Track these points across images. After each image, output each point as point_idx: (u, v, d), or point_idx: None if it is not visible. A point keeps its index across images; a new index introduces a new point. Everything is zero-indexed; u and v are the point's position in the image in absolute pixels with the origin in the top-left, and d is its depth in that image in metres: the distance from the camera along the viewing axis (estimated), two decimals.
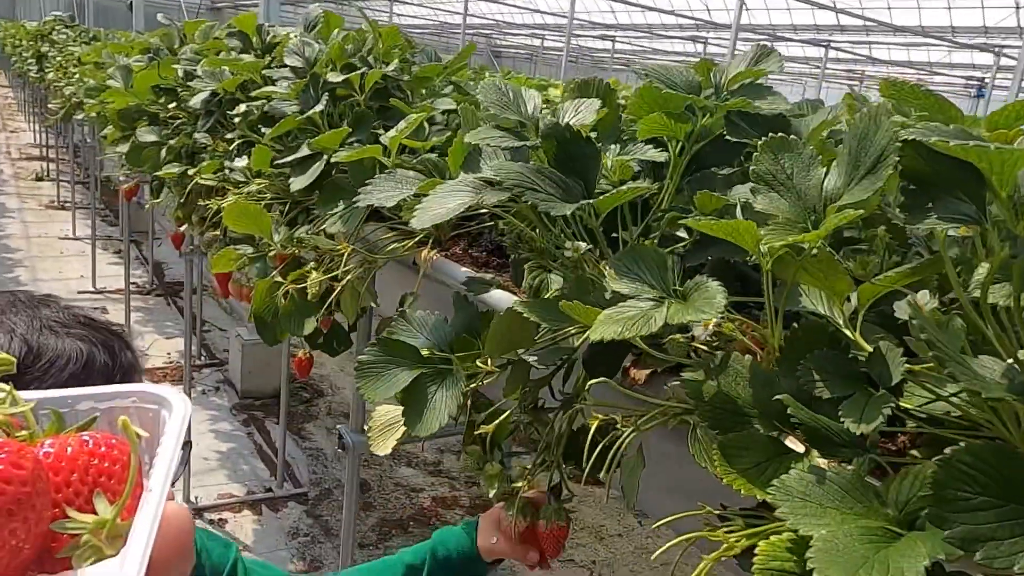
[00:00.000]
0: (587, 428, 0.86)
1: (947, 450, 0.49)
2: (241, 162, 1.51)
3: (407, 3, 18.81)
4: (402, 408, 0.89)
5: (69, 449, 0.41)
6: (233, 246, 1.50)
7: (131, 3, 7.68)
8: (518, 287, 0.97)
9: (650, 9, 15.34)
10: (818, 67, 17.08)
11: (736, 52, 10.77)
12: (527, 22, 20.83)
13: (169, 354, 4.67)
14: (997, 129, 0.58)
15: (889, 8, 13.81)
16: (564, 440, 0.88)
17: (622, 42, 21.91)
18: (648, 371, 0.82)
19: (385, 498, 3.44)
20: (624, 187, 0.71)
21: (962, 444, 0.50)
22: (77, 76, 3.90)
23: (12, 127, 12.95)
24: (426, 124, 1.31)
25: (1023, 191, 0.54)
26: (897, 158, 0.51)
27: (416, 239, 1.24)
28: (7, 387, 0.39)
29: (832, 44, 15.71)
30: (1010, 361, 0.53)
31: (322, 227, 1.34)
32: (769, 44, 0.83)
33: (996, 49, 12.70)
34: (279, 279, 1.30)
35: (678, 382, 0.79)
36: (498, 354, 0.84)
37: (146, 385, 0.49)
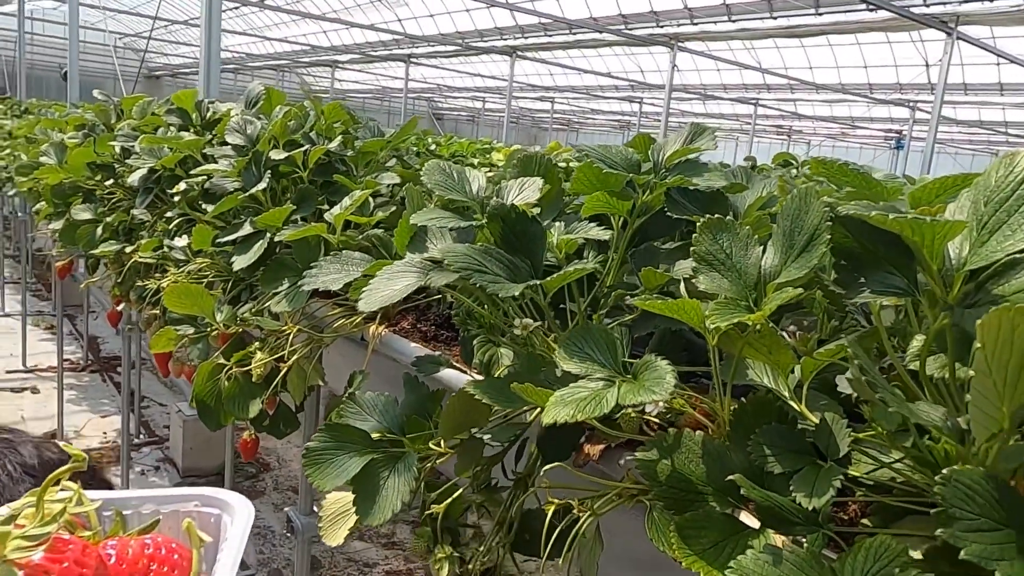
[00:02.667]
0: (541, 509, 0.85)
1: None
2: (181, 241, 1.48)
3: (348, 69, 19.08)
4: (353, 493, 0.87)
5: (130, 551, 0.42)
6: (173, 326, 1.46)
7: (65, 73, 7.57)
8: (468, 364, 0.96)
9: (587, 72, 15.88)
10: (748, 123, 17.85)
11: (671, 111, 11.10)
12: (467, 85, 21.30)
13: (105, 433, 4.47)
14: (920, 204, 0.61)
15: (811, 68, 14.59)
16: (516, 521, 0.86)
17: (561, 103, 22.57)
18: (602, 446, 0.82)
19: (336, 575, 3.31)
20: (571, 268, 0.72)
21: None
22: (8, 150, 3.81)
23: None
24: (370, 199, 1.31)
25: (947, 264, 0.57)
26: (828, 236, 0.53)
27: (363, 315, 1.23)
28: (75, 486, 0.40)
29: (760, 102, 16.49)
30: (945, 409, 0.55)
31: (266, 304, 1.32)
32: (700, 123, 0.86)
33: (911, 104, 13.51)
34: (222, 360, 1.27)
35: (631, 457, 0.79)
36: (452, 435, 0.83)
37: (209, 489, 0.50)
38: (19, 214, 5.82)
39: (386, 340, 1.21)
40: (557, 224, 0.85)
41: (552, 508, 0.69)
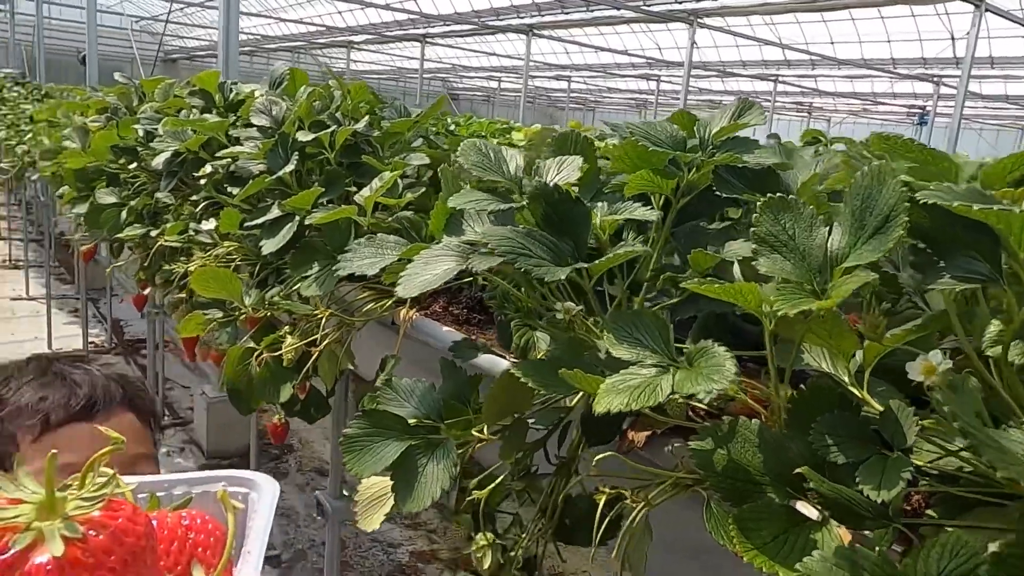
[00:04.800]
0: (584, 496, 0.83)
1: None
2: (208, 224, 1.47)
3: (363, 49, 18.99)
4: (390, 481, 0.85)
5: (169, 521, 0.46)
6: (201, 310, 1.46)
7: (83, 57, 7.58)
8: (506, 349, 0.94)
9: (604, 50, 15.70)
10: (768, 100, 17.61)
11: (690, 88, 10.97)
12: (483, 64, 21.15)
13: None
14: (994, 183, 0.58)
15: (832, 43, 14.33)
16: (558, 509, 0.84)
17: (577, 81, 22.37)
18: (647, 432, 0.80)
19: (362, 556, 3.33)
20: (621, 250, 0.69)
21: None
22: (30, 135, 3.82)
23: None
24: (399, 180, 1.29)
25: None
26: (906, 218, 0.50)
27: (394, 298, 1.21)
28: (111, 471, 0.42)
29: (780, 79, 16.23)
30: None
31: (295, 288, 1.30)
32: (749, 98, 0.83)
33: (935, 79, 13.23)
34: (252, 345, 1.26)
35: (680, 444, 0.77)
36: (496, 420, 0.81)
37: (237, 471, 0.55)
38: (41, 198, 5.86)
39: (417, 324, 1.20)
40: (600, 204, 0.82)
41: (604, 497, 0.67)
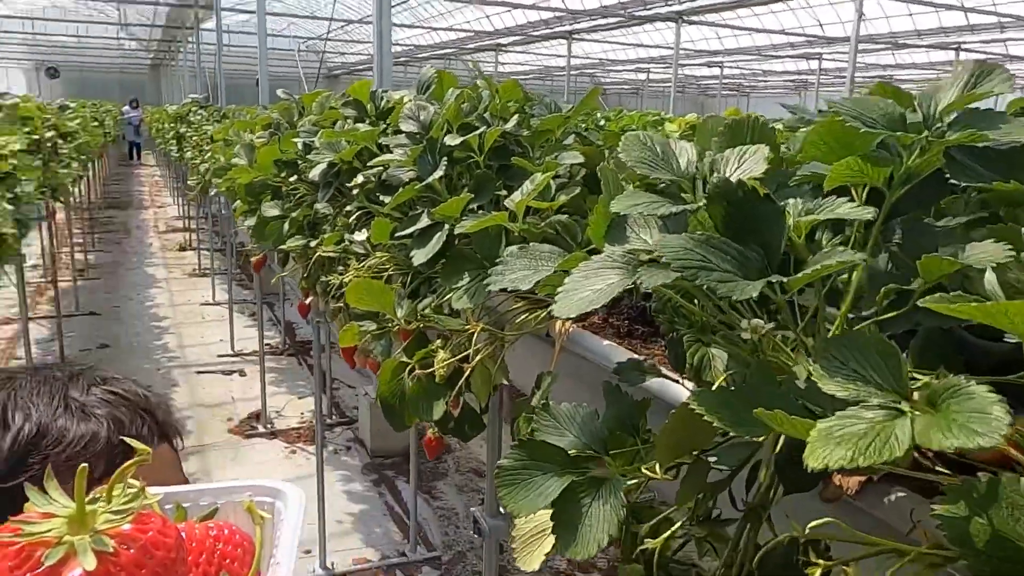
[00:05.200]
0: (785, 548, 0.70)
1: None
2: (361, 235, 1.45)
3: (511, 51, 19.25)
4: (551, 521, 0.76)
5: (197, 532, 0.45)
6: (356, 321, 1.45)
7: (258, 80, 8.17)
8: (676, 369, 0.82)
9: (758, 31, 14.92)
10: (948, 71, 15.93)
11: (857, 64, 10.15)
12: (630, 57, 20.77)
13: (302, 413, 4.77)
14: None
15: None
16: (749, 563, 0.72)
17: (730, 67, 21.42)
18: (861, 478, 0.66)
19: None
20: (831, 260, 0.56)
21: None
22: (210, 153, 4.12)
23: (159, 203, 14.10)
24: (551, 181, 1.20)
25: None
26: None
27: (549, 309, 1.12)
28: (138, 483, 0.42)
29: (963, 46, 14.65)
30: None
31: (445, 298, 1.25)
32: (985, 61, 0.66)
33: None
34: (404, 359, 1.22)
35: (905, 494, 0.62)
36: (670, 459, 0.70)
37: (262, 479, 0.54)
38: (223, 211, 6.36)
39: (574, 337, 1.10)
40: (792, 201, 0.69)
41: (818, 570, 0.54)
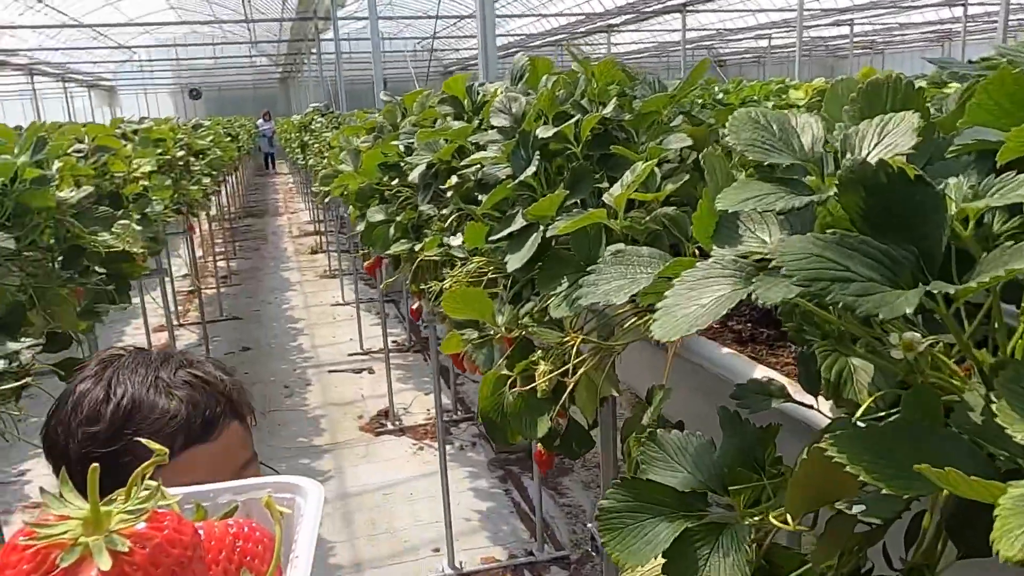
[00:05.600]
0: None
1: None
2: (456, 240, 1.38)
3: (623, 31, 18.80)
4: (663, 574, 0.65)
5: (216, 530, 0.45)
6: (458, 329, 1.38)
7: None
8: (810, 390, 0.69)
9: None
10: None
11: (1011, 6, 9.10)
12: (749, 24, 19.77)
13: (428, 410, 4.84)
14: None
15: None
16: None
17: (861, 23, 19.92)
18: None
19: None
20: (1018, 261, 0.42)
21: None
22: (327, 160, 4.22)
23: (292, 209, 14.86)
24: (655, 169, 1.08)
25: None
26: None
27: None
28: (155, 483, 0.42)
29: None
30: None
31: (548, 303, 1.15)
32: None
33: None
34: (506, 371, 1.14)
35: None
36: (804, 509, 0.57)
37: (281, 476, 0.54)
38: (346, 214, 6.57)
39: (689, 344, 0.98)
40: (951, 182, 0.54)
41: None
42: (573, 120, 1.17)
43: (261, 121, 21.11)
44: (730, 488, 0.66)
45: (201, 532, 0.43)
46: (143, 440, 0.48)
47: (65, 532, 0.39)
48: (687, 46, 15.02)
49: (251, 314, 7.41)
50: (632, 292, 0.67)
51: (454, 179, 1.41)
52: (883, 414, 0.62)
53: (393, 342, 5.99)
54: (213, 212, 8.25)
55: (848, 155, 0.56)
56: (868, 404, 0.62)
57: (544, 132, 1.15)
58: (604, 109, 1.20)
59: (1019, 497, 0.37)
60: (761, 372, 0.84)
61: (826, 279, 0.44)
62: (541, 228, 1.07)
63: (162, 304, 4.95)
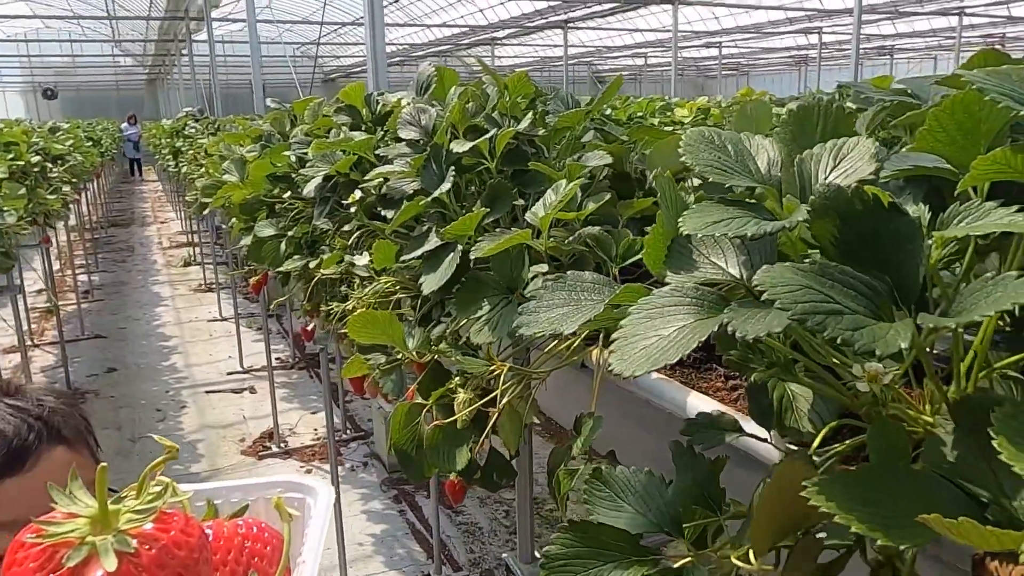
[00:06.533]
0: None
1: None
2: (362, 259, 1.30)
3: (507, 44, 19.04)
4: None
5: (225, 531, 0.46)
6: (363, 354, 1.29)
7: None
8: (759, 420, 0.67)
9: (756, 8, 14.67)
10: (950, 37, 15.69)
11: (860, 37, 9.93)
12: (627, 43, 20.52)
13: (316, 429, 4.63)
14: None
15: None
16: None
17: (728, 46, 21.15)
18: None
19: None
20: (1006, 296, 0.40)
21: None
22: (203, 168, 3.97)
23: (162, 218, 13.99)
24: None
25: None
26: None
27: (582, 337, 0.96)
28: (166, 480, 0.42)
29: (966, 10, 14.35)
30: None
31: (462, 324, 1.09)
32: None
33: None
34: (419, 400, 1.07)
35: None
36: (769, 545, 0.54)
37: (292, 475, 0.54)
38: (225, 224, 6.23)
39: None
40: (911, 209, 0.53)
41: None
42: (488, 135, 1.12)
43: (126, 125, 19.79)
44: (684, 526, 0.62)
45: (210, 532, 0.44)
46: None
47: (72, 531, 0.38)
48: (569, 61, 15.39)
49: (116, 332, 6.88)
50: (581, 321, 0.62)
51: (358, 193, 1.32)
52: (836, 446, 0.61)
53: (277, 359, 5.72)
54: (73, 222, 7.62)
55: (813, 179, 0.53)
56: (822, 436, 0.60)
57: (459, 147, 1.09)
58: (519, 124, 1.16)
59: None
60: (695, 399, 0.82)
61: (822, 312, 0.41)
62: (459, 248, 1.01)
63: (14, 324, 4.49)
